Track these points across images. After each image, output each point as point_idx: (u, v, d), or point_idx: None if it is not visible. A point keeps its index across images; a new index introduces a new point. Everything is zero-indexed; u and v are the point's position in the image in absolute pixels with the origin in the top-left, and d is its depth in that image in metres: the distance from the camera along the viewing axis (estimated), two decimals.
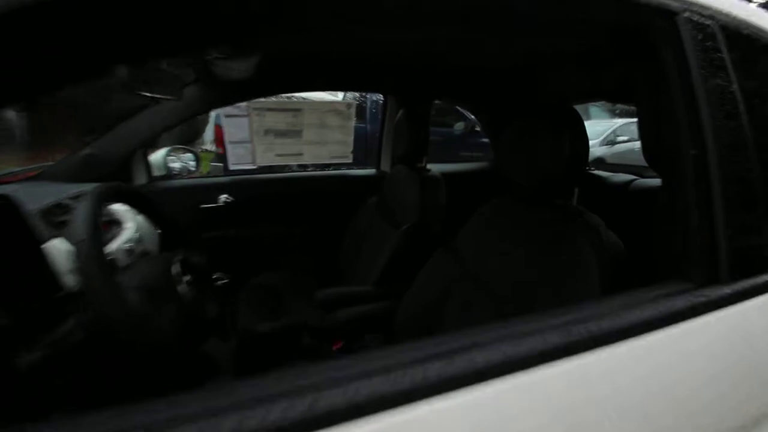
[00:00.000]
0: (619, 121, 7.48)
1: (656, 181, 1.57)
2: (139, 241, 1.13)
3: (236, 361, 1.23)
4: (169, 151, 1.74)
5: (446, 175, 2.07)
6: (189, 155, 1.91)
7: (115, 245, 0.98)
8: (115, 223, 1.11)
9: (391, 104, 1.85)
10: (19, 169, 1.39)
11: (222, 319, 0.94)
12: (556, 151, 0.79)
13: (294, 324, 1.35)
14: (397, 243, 1.38)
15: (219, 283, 1.10)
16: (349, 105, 1.78)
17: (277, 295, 1.57)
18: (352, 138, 1.87)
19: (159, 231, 1.05)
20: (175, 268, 0.78)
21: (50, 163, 1.49)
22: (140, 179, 1.63)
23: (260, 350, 1.33)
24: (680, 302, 0.53)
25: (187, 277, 0.82)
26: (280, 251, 1.86)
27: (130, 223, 1.13)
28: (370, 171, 2.02)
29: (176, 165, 1.90)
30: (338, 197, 1.91)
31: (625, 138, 7.16)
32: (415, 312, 1.12)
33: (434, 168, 1.68)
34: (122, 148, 1.50)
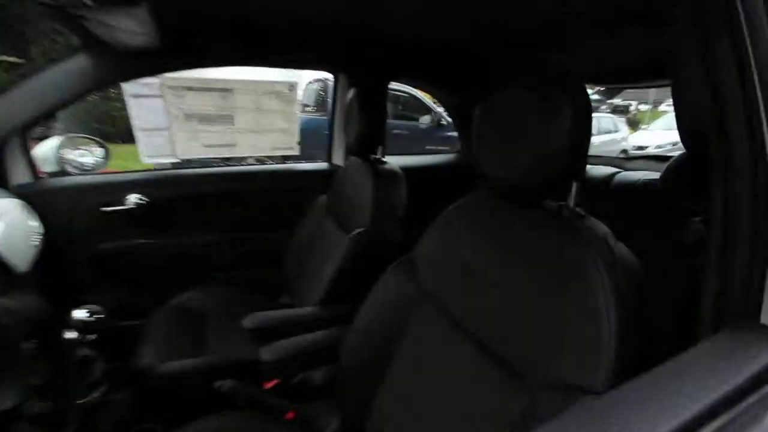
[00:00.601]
0: None
1: (642, 174, 1.39)
2: None
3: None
4: (64, 141, 1.39)
5: (409, 170, 1.81)
6: (100, 149, 1.56)
7: None
8: None
9: (342, 85, 1.58)
10: None
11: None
12: (554, 133, 0.56)
13: (212, 361, 1.07)
14: (346, 252, 1.13)
15: (91, 318, 0.80)
16: (291, 86, 1.49)
17: (198, 323, 1.27)
18: (296, 125, 1.58)
19: None
20: None
21: None
22: (21, 177, 1.27)
23: (164, 397, 1.04)
24: None
25: None
26: (208, 264, 1.55)
27: None
28: (321, 165, 1.74)
29: (86, 160, 1.55)
30: (283, 196, 1.63)
31: None
32: (364, 345, 0.87)
33: (394, 161, 1.43)
34: None
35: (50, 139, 1.36)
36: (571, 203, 0.63)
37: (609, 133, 7.78)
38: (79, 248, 1.37)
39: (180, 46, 1.18)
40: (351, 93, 1.26)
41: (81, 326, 0.78)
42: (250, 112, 1.47)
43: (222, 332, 1.24)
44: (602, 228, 0.60)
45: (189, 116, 1.40)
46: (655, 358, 0.55)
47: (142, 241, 1.44)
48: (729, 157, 0.41)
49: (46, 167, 1.38)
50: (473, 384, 0.66)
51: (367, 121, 1.22)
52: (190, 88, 1.35)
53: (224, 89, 1.39)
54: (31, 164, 1.31)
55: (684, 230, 0.94)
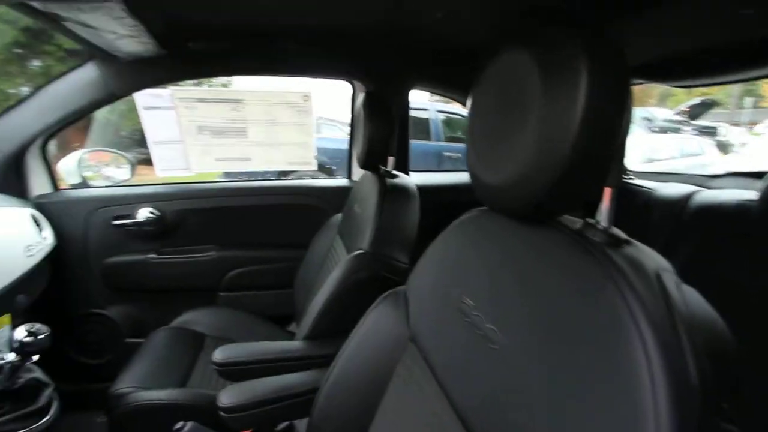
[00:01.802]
0: (661, 137, 6.81)
1: (732, 193, 1.07)
2: None
3: None
4: (84, 155, 1.41)
5: (438, 188, 1.63)
6: (125, 163, 1.58)
7: None
8: None
9: (360, 94, 1.46)
10: None
11: None
12: (563, 112, 0.36)
13: (179, 396, 0.94)
14: (340, 277, 0.96)
15: (30, 338, 0.71)
16: (305, 96, 1.41)
17: (193, 348, 1.17)
18: (313, 139, 1.48)
19: None
20: None
21: None
22: (41, 188, 1.30)
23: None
24: None
25: None
26: (217, 283, 1.47)
27: None
28: (341, 181, 1.62)
29: (111, 173, 1.58)
30: (299, 213, 1.52)
31: (666, 156, 6.42)
32: (342, 393, 0.70)
33: (417, 177, 1.26)
34: (6, 148, 1.18)
35: (74, 152, 1.39)
36: (603, 221, 0.41)
37: (694, 156, 6.90)
38: (92, 260, 1.36)
39: (181, 54, 1.14)
40: (360, 100, 1.13)
41: (19, 348, 0.69)
42: (262, 125, 1.40)
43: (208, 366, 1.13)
44: (655, 260, 0.38)
45: (201, 128, 1.36)
46: None
47: (152, 256, 1.40)
48: None
49: (70, 179, 1.40)
50: None
51: (375, 128, 1.07)
52: (201, 100, 1.32)
53: (235, 100, 1.34)
54: (52, 176, 1.33)
55: None
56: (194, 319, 1.32)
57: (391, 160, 1.10)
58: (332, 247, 1.29)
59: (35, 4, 0.76)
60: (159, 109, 1.28)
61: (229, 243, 1.48)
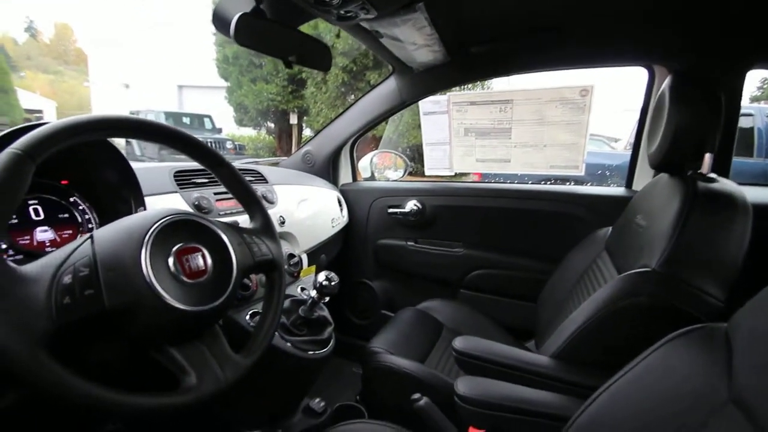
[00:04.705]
0: None
1: None
2: None
3: None
4: (374, 156, 1.74)
5: None
6: (403, 164, 1.86)
7: None
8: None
9: (661, 83, 1.15)
10: (262, 160, 1.71)
11: None
12: None
13: (418, 371, 0.98)
14: (609, 296, 0.77)
15: (327, 282, 0.89)
16: (584, 91, 1.23)
17: (432, 333, 1.24)
18: (585, 140, 1.29)
19: None
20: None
21: (284, 158, 1.77)
22: (345, 178, 1.69)
23: (377, 385, 1.04)
24: None
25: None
26: (461, 279, 1.49)
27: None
28: (616, 190, 1.35)
29: (390, 173, 1.90)
30: (560, 223, 1.36)
31: None
32: None
33: (749, 192, 0.89)
34: (329, 147, 1.59)
35: (368, 154, 1.74)
36: None
37: None
38: (369, 239, 1.65)
39: (463, 60, 1.21)
40: (665, 83, 0.88)
41: (319, 288, 0.89)
42: (529, 125, 1.32)
43: (448, 350, 1.16)
44: None
45: (468, 130, 1.42)
46: None
47: (411, 243, 1.57)
48: None
49: (364, 174, 1.76)
50: None
51: (689, 116, 0.81)
52: (473, 103, 1.37)
53: (504, 101, 1.32)
54: (354, 170, 1.71)
55: None
56: (436, 307, 1.38)
57: (707, 158, 0.81)
58: (594, 264, 1.08)
59: (365, 25, 0.96)
60: (435, 114, 1.43)
61: (477, 243, 1.49)
